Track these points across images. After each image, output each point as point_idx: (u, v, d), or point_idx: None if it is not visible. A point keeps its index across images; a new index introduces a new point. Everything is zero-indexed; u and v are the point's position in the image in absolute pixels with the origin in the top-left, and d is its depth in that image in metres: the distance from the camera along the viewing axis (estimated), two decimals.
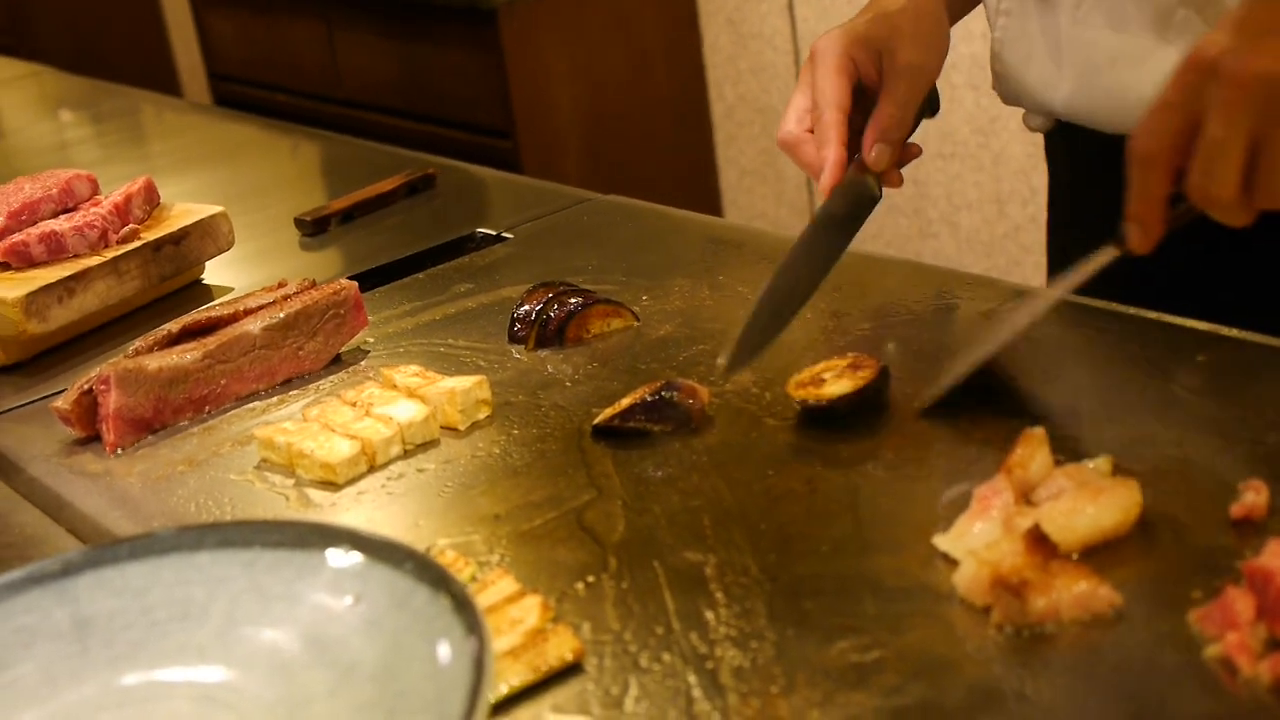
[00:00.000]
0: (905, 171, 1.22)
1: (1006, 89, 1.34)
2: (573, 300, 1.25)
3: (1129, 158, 0.93)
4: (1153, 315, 1.13)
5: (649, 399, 1.07)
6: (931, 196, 3.39)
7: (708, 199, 3.85)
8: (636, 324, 1.26)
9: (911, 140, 1.21)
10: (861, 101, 1.18)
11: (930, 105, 1.22)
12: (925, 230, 3.44)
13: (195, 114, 2.80)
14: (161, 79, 5.11)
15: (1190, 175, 0.91)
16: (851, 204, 1.16)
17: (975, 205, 3.33)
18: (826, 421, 1.04)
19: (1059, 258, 1.42)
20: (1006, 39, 1.31)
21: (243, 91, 4.48)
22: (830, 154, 1.14)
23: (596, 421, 1.08)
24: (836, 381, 1.05)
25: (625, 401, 1.08)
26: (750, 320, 1.09)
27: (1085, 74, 1.24)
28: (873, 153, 1.16)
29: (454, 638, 0.72)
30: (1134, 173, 0.93)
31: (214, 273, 1.57)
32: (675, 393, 1.07)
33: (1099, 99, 1.24)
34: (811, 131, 1.17)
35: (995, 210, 3.31)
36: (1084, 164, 1.34)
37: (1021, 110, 1.35)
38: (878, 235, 3.47)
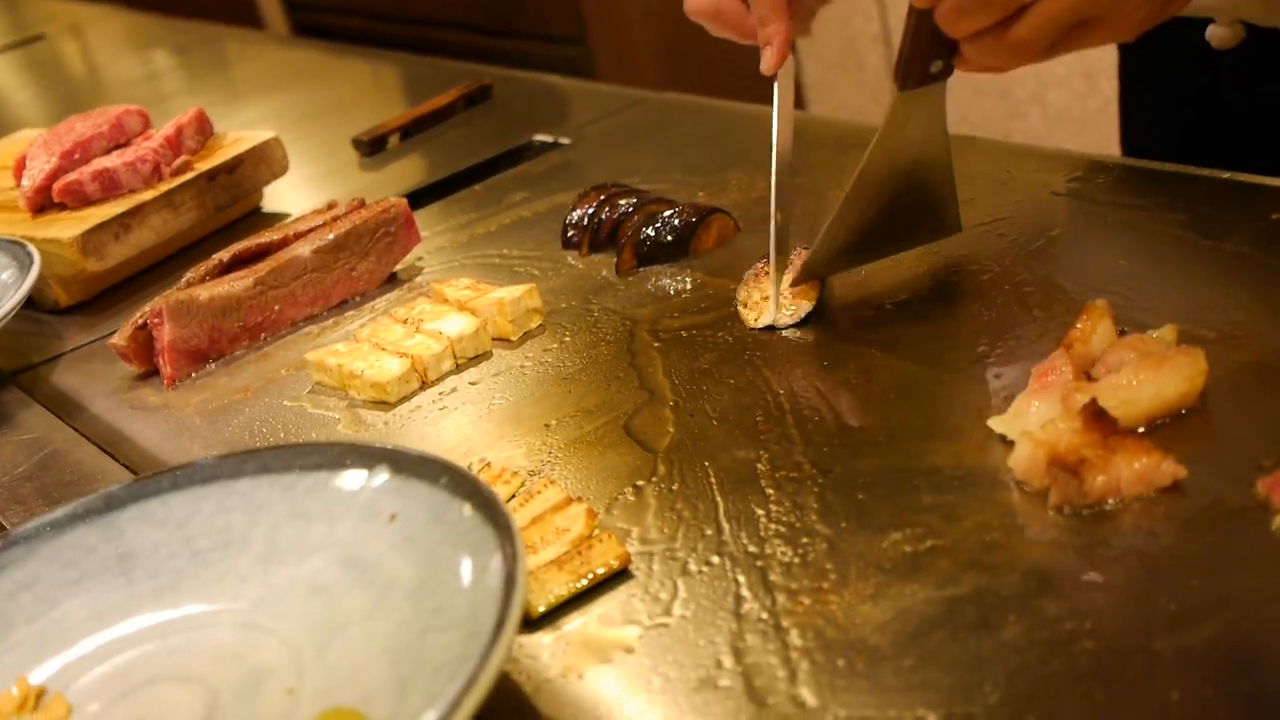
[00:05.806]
0: None
1: None
2: (623, 201, 1.22)
3: None
4: (1225, 175, 1.07)
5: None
6: (1018, 76, 3.28)
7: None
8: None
9: None
10: None
11: None
12: (1015, 110, 3.34)
13: (264, 44, 2.79)
14: (241, 13, 5.13)
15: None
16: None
17: (1064, 81, 3.23)
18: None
19: (1131, 130, 1.36)
20: None
21: (319, 19, 4.48)
22: (779, 30, 1.08)
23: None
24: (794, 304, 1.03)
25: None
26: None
27: None
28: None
29: (485, 551, 0.70)
30: None
31: (274, 200, 1.56)
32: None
33: None
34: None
35: (1086, 85, 3.20)
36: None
37: None
38: (964, 119, 3.38)
